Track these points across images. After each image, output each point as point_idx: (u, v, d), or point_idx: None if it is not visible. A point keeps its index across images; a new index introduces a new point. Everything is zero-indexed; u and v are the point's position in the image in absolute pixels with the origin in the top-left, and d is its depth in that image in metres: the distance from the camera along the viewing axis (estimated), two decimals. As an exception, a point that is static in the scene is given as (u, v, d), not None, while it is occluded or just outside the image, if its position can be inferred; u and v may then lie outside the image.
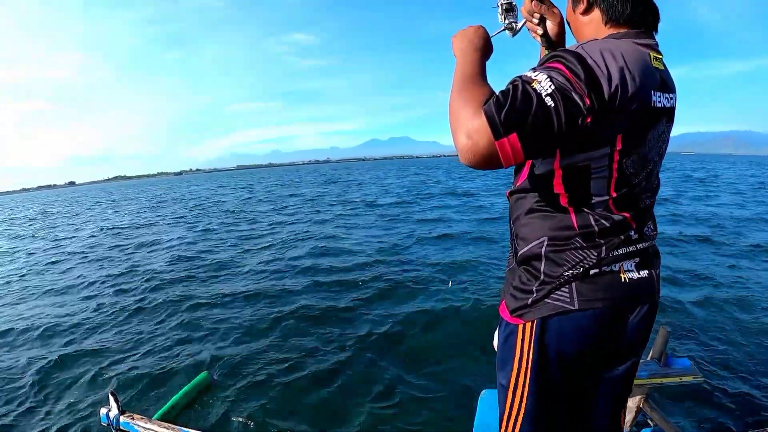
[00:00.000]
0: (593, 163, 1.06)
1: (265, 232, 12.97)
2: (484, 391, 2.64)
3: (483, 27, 1.26)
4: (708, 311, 5.26)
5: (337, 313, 5.76)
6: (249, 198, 27.96)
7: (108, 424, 3.04)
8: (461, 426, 3.06)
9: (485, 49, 1.21)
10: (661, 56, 1.13)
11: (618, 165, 1.06)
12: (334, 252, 9.44)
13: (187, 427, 2.88)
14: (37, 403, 4.16)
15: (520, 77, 0.98)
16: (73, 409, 3.93)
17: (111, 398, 3.05)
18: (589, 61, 0.97)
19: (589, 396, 1.28)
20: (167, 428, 2.88)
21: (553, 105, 0.92)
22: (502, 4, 1.31)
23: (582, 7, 1.20)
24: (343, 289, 6.85)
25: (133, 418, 2.99)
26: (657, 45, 1.15)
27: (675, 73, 1.18)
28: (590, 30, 1.20)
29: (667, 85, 1.12)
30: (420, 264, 7.97)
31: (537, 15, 1.37)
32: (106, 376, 4.53)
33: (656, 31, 1.18)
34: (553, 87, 0.94)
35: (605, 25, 1.18)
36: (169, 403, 3.55)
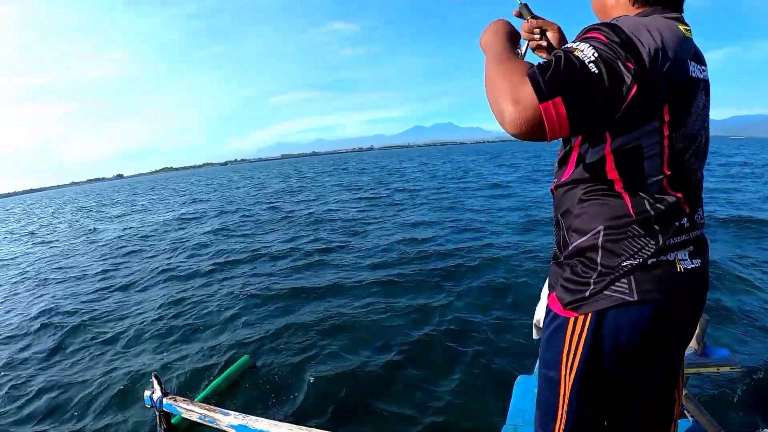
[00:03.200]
0: (644, 141, 1.04)
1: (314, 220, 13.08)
2: (519, 376, 2.63)
3: (505, 19, 1.25)
4: (750, 300, 5.03)
5: (379, 298, 5.78)
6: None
7: (151, 406, 3.15)
8: (496, 410, 3.03)
9: (512, 34, 1.20)
10: (689, 28, 1.11)
11: (669, 140, 1.04)
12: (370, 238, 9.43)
13: (227, 409, 2.95)
14: (84, 384, 4.36)
15: (561, 49, 0.95)
16: (117, 391, 4.10)
17: (155, 381, 3.15)
18: (626, 29, 0.96)
19: (640, 388, 1.24)
20: (208, 410, 2.96)
21: (596, 71, 0.90)
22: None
23: None
24: (385, 269, 6.88)
25: (175, 400, 3.09)
26: (683, 18, 1.14)
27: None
28: (618, 12, 1.19)
29: (699, 56, 1.10)
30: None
31: (537, 30, 1.39)
32: (151, 359, 4.70)
33: (682, 11, 1.17)
34: (596, 54, 0.92)
35: (633, 6, 1.17)
36: (210, 386, 3.64)
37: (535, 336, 2.38)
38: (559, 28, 1.41)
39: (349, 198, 17.72)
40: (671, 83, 0.99)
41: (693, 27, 1.13)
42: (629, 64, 0.92)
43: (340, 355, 4.29)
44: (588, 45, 0.93)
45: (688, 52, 1.05)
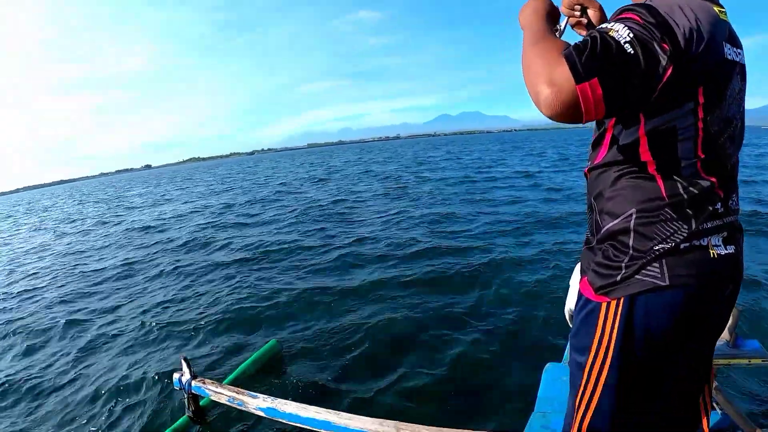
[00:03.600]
0: (679, 123, 1.03)
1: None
2: (548, 364, 2.61)
3: None
4: None
5: (407, 285, 5.78)
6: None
7: (180, 388, 3.17)
8: (524, 397, 2.97)
9: (551, 13, 1.20)
10: (724, 10, 1.10)
11: (703, 123, 1.03)
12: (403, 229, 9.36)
13: (255, 392, 2.95)
14: (114, 366, 4.44)
15: (596, 29, 0.97)
16: (147, 373, 4.15)
17: (184, 363, 3.17)
18: (661, 10, 0.96)
19: (670, 375, 1.21)
20: (236, 392, 2.97)
21: (632, 52, 0.91)
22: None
23: None
24: (415, 260, 6.87)
25: (204, 383, 3.10)
26: (718, 1, 1.12)
27: (755, 42, 1.21)
28: None
29: (735, 39, 1.10)
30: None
31: (577, 7, 1.35)
32: (180, 342, 4.76)
33: None
34: (631, 35, 0.92)
35: None
36: (238, 369, 3.65)
37: (570, 325, 2.34)
38: (600, 6, 1.36)
39: (378, 188, 17.65)
40: (706, 65, 0.99)
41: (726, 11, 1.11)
42: (665, 45, 0.92)
43: (367, 342, 4.27)
44: (623, 25, 0.94)
45: (722, 34, 1.04)
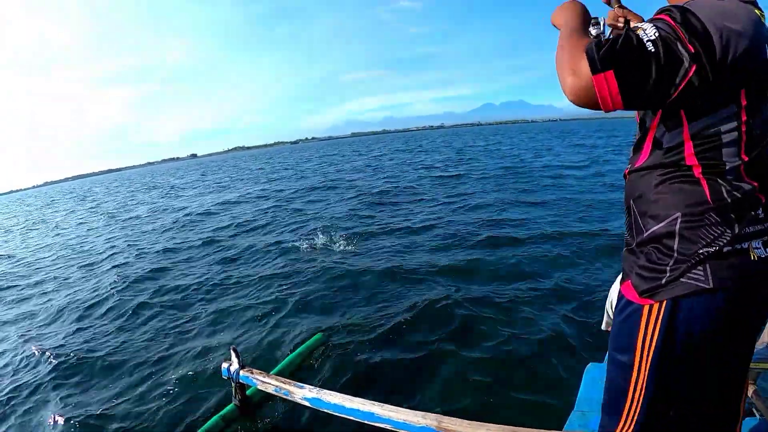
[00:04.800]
0: (722, 126, 1.04)
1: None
2: (589, 364, 2.62)
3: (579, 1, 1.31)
4: None
5: (456, 273, 5.82)
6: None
7: (228, 378, 3.26)
8: (565, 395, 2.93)
9: (585, 15, 1.25)
10: (764, 13, 1.11)
11: (746, 126, 1.04)
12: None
13: (301, 382, 3.01)
14: (165, 354, 4.59)
15: (625, 28, 1.07)
16: (196, 362, 4.29)
17: (233, 353, 3.25)
18: (699, 14, 0.98)
19: (709, 378, 1.21)
20: (283, 382, 3.03)
21: (653, 50, 0.95)
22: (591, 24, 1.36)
23: None
24: (460, 251, 6.84)
25: (252, 373, 3.17)
26: (758, 4, 1.13)
27: None
28: None
29: None
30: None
31: (621, 19, 1.43)
32: (229, 333, 4.88)
33: None
34: (657, 35, 0.97)
35: None
36: (285, 361, 3.72)
37: (603, 327, 2.31)
38: (642, 20, 1.39)
39: (429, 176, 17.55)
40: (747, 67, 1.00)
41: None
42: (690, 47, 0.95)
43: (411, 334, 4.29)
44: (651, 25, 0.99)
45: (764, 36, 1.04)
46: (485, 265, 6.12)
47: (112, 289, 7.05)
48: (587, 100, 1.01)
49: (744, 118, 1.03)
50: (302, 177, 24.05)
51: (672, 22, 0.98)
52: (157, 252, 9.49)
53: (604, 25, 1.33)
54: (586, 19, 1.25)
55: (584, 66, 1.00)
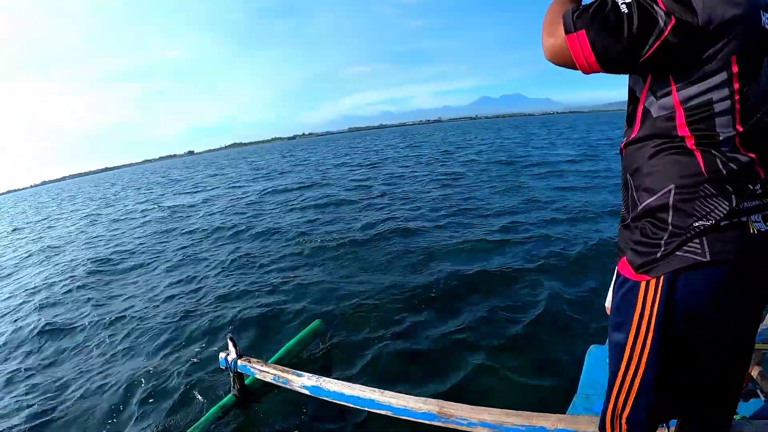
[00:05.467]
0: (714, 95, 1.02)
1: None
2: (591, 346, 2.62)
3: None
4: None
5: (454, 258, 5.84)
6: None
7: (226, 367, 3.22)
8: (568, 379, 2.91)
9: None
10: None
11: (740, 94, 1.01)
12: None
13: (300, 370, 2.97)
14: (163, 344, 4.58)
15: None
16: (193, 352, 4.27)
17: (230, 343, 3.21)
18: None
19: (711, 353, 1.19)
20: (281, 371, 3.00)
21: (627, 12, 0.98)
22: None
23: None
24: (463, 236, 6.82)
25: (249, 362, 3.14)
26: None
27: None
28: None
29: None
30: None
31: None
32: (226, 322, 4.85)
33: None
34: None
35: None
36: (283, 349, 3.68)
37: (607, 304, 2.27)
38: None
39: (430, 172, 17.51)
40: (737, 33, 0.98)
41: None
42: (663, 8, 0.96)
43: (409, 321, 4.28)
44: None
45: (760, 2, 1.02)
46: (489, 250, 6.13)
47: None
48: (562, 59, 1.08)
49: (737, 86, 1.01)
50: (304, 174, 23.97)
51: None
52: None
53: None
54: None
55: (560, 28, 1.06)
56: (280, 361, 3.44)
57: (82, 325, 5.48)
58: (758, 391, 2.24)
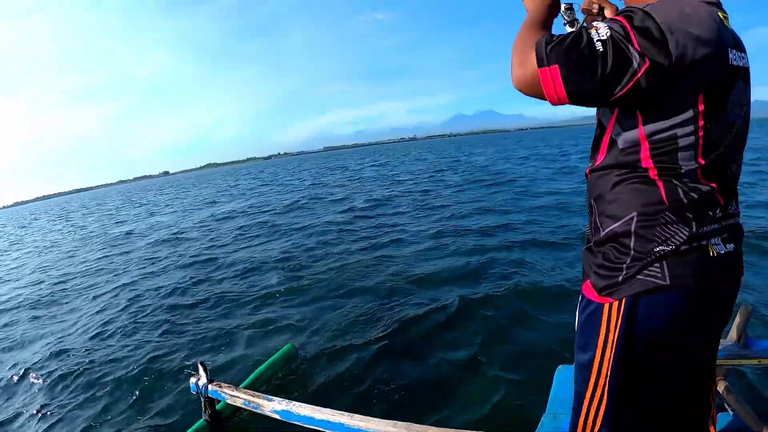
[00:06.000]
0: (679, 130, 1.05)
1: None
2: (560, 366, 2.63)
3: None
4: None
5: (417, 287, 5.78)
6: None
7: (197, 392, 3.21)
8: (536, 399, 2.96)
9: (552, 7, 1.27)
10: (727, 15, 1.13)
11: (704, 131, 1.05)
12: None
13: (271, 395, 2.98)
14: (130, 370, 4.48)
15: (581, 26, 1.09)
16: (163, 377, 4.21)
17: (200, 368, 3.20)
18: (658, 18, 0.98)
19: (672, 377, 1.21)
20: (252, 396, 3.00)
21: (601, 50, 0.98)
22: (562, 5, 1.40)
23: None
24: (428, 262, 6.85)
25: (220, 387, 3.14)
26: (721, 4, 1.14)
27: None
28: None
29: (739, 44, 1.12)
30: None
31: (595, 6, 1.44)
32: (197, 346, 4.81)
33: None
34: (608, 34, 0.99)
35: None
36: (254, 373, 3.68)
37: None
38: (616, 8, 1.43)
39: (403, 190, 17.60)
40: (707, 72, 1.01)
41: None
42: (639, 49, 0.97)
43: (383, 349, 4.26)
44: (606, 25, 1.01)
45: (728, 40, 1.06)
46: (462, 276, 6.12)
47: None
48: (531, 90, 1.08)
49: (701, 123, 1.04)
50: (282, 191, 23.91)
51: (626, 24, 1.00)
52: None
53: (577, 11, 1.38)
54: (551, 11, 1.27)
55: (532, 58, 1.05)
56: (252, 386, 3.44)
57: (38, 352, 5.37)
58: (726, 405, 2.32)
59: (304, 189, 23.08)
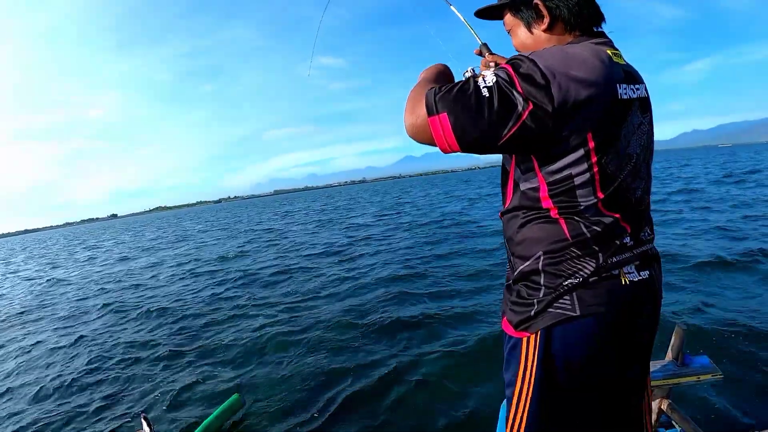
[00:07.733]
0: (573, 169, 1.07)
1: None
2: (505, 400, 2.66)
3: (445, 64, 1.41)
4: (728, 306, 5.13)
5: (362, 328, 5.82)
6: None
7: (140, 448, 3.13)
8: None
9: (443, 72, 1.36)
10: (618, 52, 1.17)
11: (598, 166, 1.07)
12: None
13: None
14: (71, 423, 4.32)
15: (470, 76, 1.09)
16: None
17: (143, 422, 3.15)
18: (541, 64, 1.02)
19: (601, 400, 1.23)
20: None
21: (487, 96, 1.01)
22: (464, 73, 1.43)
23: (545, 24, 1.22)
24: (368, 302, 6.94)
25: (165, 442, 3.08)
26: (611, 42, 1.20)
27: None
28: (552, 43, 1.22)
29: (632, 76, 1.15)
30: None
31: (492, 64, 1.46)
32: (138, 399, 4.67)
33: (604, 22, 1.25)
34: (494, 81, 1.02)
35: (567, 34, 1.23)
36: (200, 427, 3.60)
37: None
38: None
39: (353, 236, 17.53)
40: (592, 111, 1.03)
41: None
42: (523, 93, 0.99)
43: (328, 390, 4.29)
44: (492, 73, 1.04)
45: (617, 76, 1.09)
46: (419, 324, 6.05)
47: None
48: (423, 138, 1.11)
49: (594, 159, 1.06)
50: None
51: (511, 71, 1.02)
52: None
53: (475, 73, 1.48)
54: (443, 74, 1.33)
55: (422, 108, 1.07)
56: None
57: None
58: (673, 422, 2.45)
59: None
